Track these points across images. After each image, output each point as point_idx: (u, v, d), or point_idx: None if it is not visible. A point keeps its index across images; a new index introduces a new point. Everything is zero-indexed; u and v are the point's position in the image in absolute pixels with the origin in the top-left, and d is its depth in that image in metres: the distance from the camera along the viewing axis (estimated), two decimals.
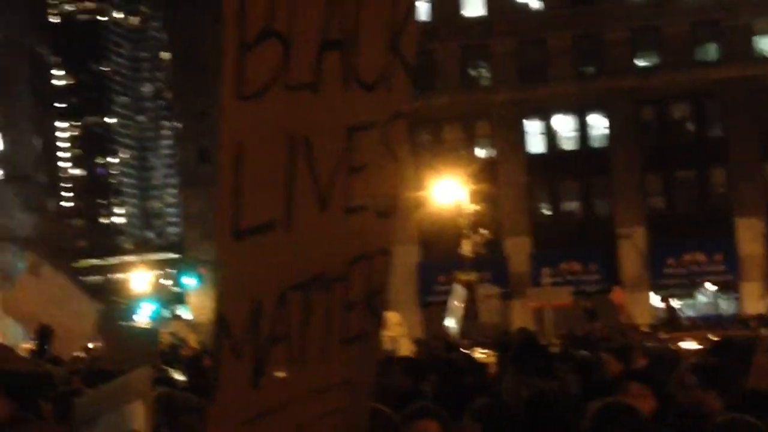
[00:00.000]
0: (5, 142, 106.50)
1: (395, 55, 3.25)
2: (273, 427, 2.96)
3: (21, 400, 6.64)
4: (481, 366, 10.62)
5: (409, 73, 3.33)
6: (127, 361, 11.22)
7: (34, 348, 13.38)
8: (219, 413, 2.75)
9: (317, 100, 2.92)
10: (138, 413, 3.53)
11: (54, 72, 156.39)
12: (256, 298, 2.82)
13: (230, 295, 2.77)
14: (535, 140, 50.54)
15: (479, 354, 15.83)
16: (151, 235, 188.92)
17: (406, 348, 17.83)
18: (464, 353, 13.62)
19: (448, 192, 40.64)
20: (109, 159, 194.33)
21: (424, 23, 45.68)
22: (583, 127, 50.21)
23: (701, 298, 47.94)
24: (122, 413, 3.52)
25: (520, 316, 41.40)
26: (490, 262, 43.80)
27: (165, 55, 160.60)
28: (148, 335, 16.82)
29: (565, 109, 49.79)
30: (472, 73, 51.35)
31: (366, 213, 3.25)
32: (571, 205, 50.78)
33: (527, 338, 14.10)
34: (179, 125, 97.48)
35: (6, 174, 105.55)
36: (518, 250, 48.31)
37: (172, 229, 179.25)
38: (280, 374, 2.94)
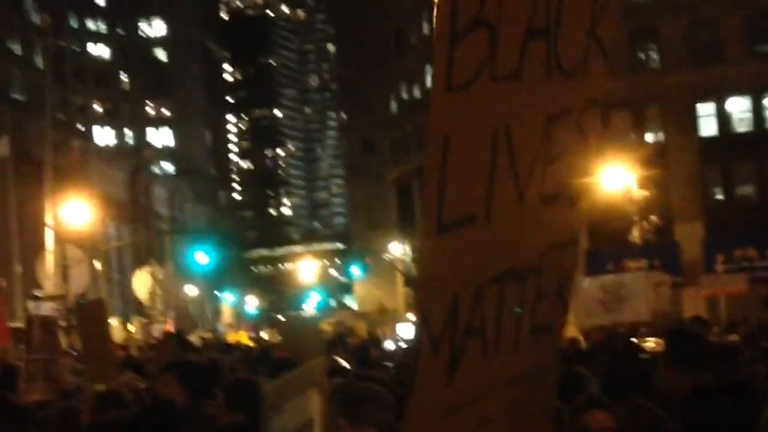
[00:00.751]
0: (177, 137, 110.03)
1: (594, 40, 3.27)
2: (466, 420, 3.00)
3: (195, 389, 6.76)
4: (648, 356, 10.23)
5: (605, 59, 3.36)
6: (296, 350, 11.27)
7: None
8: (417, 406, 2.81)
9: (520, 89, 2.95)
10: (314, 402, 3.62)
11: (224, 67, 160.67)
12: (455, 292, 2.85)
13: (432, 290, 2.80)
14: (707, 123, 49.15)
15: (650, 343, 15.34)
16: (317, 225, 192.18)
17: (571, 336, 17.48)
18: (631, 342, 13.22)
19: (616, 178, 39.77)
20: (276, 151, 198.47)
21: None
22: (758, 109, 48.59)
23: None
24: (303, 401, 3.64)
25: (693, 305, 40.14)
26: (661, 249, 42.66)
27: (330, 47, 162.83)
28: (314, 325, 16.98)
29: (739, 91, 48.20)
30: (641, 56, 50.24)
31: (559, 202, 3.28)
32: (747, 189, 49.26)
33: (681, 327, 13.51)
34: (345, 116, 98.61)
35: (178, 168, 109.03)
36: (690, 237, 47.03)
37: (338, 220, 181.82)
38: (475, 367, 2.97)
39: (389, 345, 28.29)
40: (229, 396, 6.48)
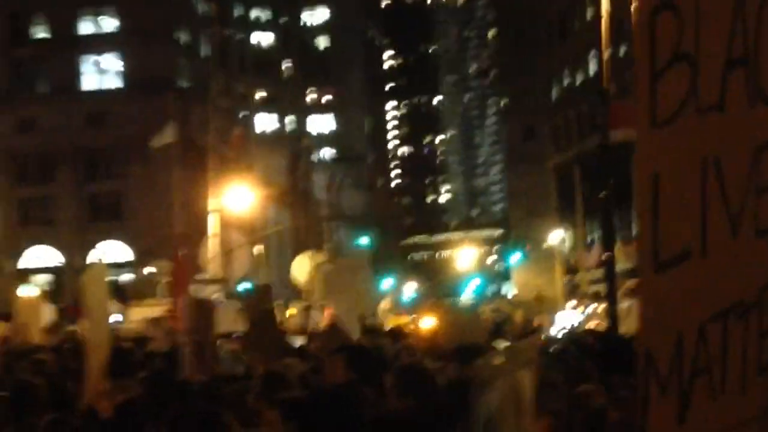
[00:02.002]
0: (338, 123, 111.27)
1: None
2: None
3: (362, 373, 6.87)
4: None
5: None
6: (456, 337, 11.04)
7: None
8: None
9: (725, 120, 2.96)
10: (525, 381, 3.70)
11: (384, 54, 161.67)
12: (678, 331, 2.87)
13: (654, 329, 2.83)
14: None
15: None
16: (475, 212, 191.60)
17: None
18: None
19: None
20: (435, 137, 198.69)
21: None
22: None
23: None
24: (514, 380, 3.73)
25: None
26: None
27: (491, 33, 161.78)
28: (476, 311, 16.76)
29: None
30: None
31: None
32: None
33: None
34: (505, 103, 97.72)
35: (338, 153, 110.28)
36: None
37: (496, 206, 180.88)
38: (704, 408, 2.93)
39: (550, 334, 27.75)
40: (398, 381, 6.58)
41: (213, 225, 35.56)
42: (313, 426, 5.06)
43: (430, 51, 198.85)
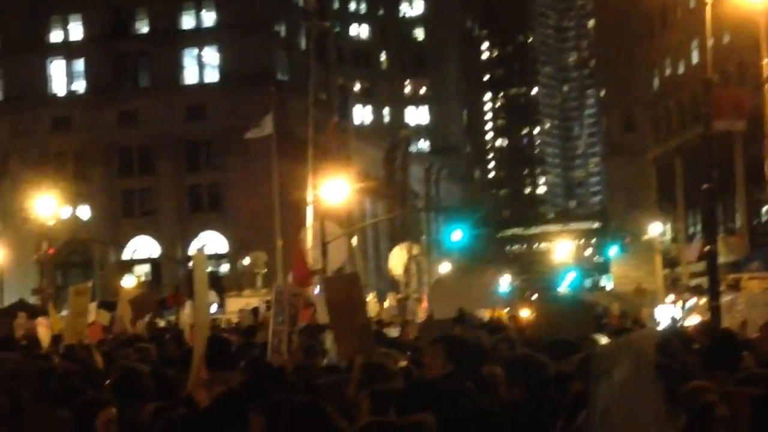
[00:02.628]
0: (434, 115, 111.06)
1: None
2: None
3: (461, 363, 6.83)
4: None
5: None
6: (560, 331, 10.90)
7: None
8: None
9: None
10: (645, 371, 3.68)
11: (481, 45, 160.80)
12: None
13: None
14: None
15: None
16: (573, 204, 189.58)
17: None
18: None
19: None
20: (533, 129, 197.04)
21: None
22: None
23: None
24: (632, 370, 3.70)
25: None
26: None
27: (590, 23, 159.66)
28: (579, 304, 16.54)
29: None
30: None
31: None
32: None
33: None
34: (604, 93, 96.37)
35: (434, 146, 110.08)
36: None
37: (594, 198, 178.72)
38: None
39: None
40: (511, 371, 6.70)
41: (310, 216, 35.79)
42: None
43: (527, 41, 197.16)
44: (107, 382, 7.66)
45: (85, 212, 70.80)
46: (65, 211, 54.13)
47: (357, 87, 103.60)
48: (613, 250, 73.82)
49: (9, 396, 6.35)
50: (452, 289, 16.46)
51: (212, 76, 75.80)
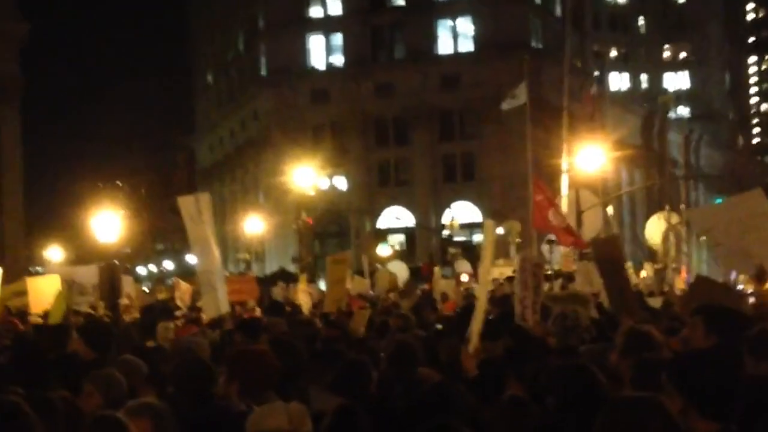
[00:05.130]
0: (694, 80, 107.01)
1: None
2: None
3: (724, 335, 6.52)
4: None
5: None
6: None
7: None
8: None
9: None
10: None
11: (746, 5, 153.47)
12: None
13: None
14: None
15: None
16: None
17: None
18: None
19: None
20: None
21: None
22: None
23: None
24: None
25: None
26: None
27: None
28: None
29: None
30: None
31: None
32: None
33: None
34: None
35: (694, 112, 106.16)
36: None
37: None
38: None
39: None
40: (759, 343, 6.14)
41: (565, 185, 35.23)
42: (682, 387, 4.69)
43: None
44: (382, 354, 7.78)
45: (341, 183, 72.68)
46: (323, 182, 55.69)
47: (613, 53, 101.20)
48: None
49: (285, 359, 6.49)
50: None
51: (466, 45, 75.93)
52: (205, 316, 12.85)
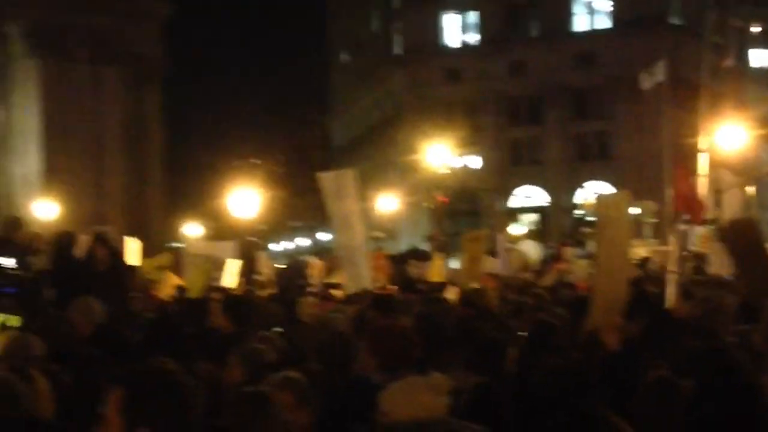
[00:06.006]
0: None
1: None
2: None
3: None
4: None
5: None
6: None
7: None
8: None
9: None
10: None
11: None
12: None
13: None
14: None
15: None
16: None
17: None
18: None
19: None
20: None
21: None
22: None
23: None
24: None
25: None
26: None
27: None
28: None
29: None
30: None
31: None
32: None
33: None
34: None
35: None
36: None
37: None
38: None
39: None
40: None
41: (703, 165, 34.42)
42: None
43: None
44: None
45: (474, 161, 72.49)
46: (456, 161, 55.65)
47: (756, 29, 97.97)
48: None
49: (428, 336, 6.59)
50: None
51: (603, 22, 74.63)
52: (345, 292, 13.04)
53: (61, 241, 12.73)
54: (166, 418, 3.39)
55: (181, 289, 16.29)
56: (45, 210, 40.29)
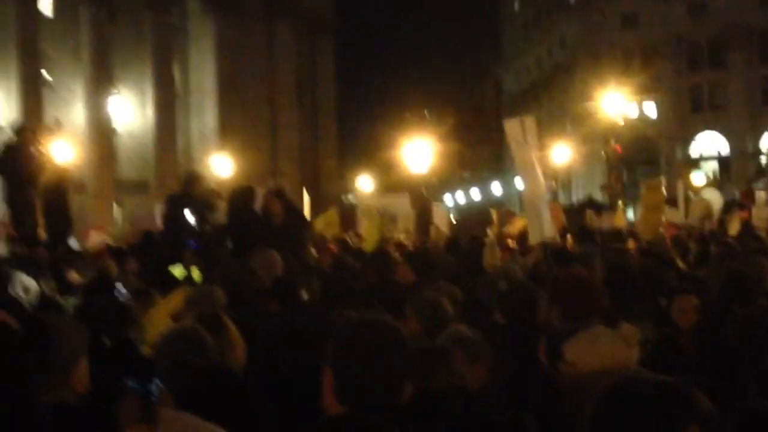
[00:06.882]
0: None
1: None
2: None
3: None
4: None
5: None
6: None
7: None
8: None
9: None
10: None
11: None
12: None
13: None
14: None
15: None
16: None
17: None
18: None
19: None
20: None
21: None
22: None
23: None
24: None
25: None
26: None
27: None
28: None
29: None
30: None
31: None
32: None
33: None
34: None
35: None
36: None
37: None
38: None
39: None
40: None
41: None
42: None
43: None
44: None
45: (651, 109, 70.69)
46: (632, 108, 54.38)
47: None
48: None
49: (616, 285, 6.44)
50: None
51: None
52: (531, 241, 12.75)
53: (239, 196, 12.93)
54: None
55: (349, 242, 16.42)
56: (221, 165, 41.32)
